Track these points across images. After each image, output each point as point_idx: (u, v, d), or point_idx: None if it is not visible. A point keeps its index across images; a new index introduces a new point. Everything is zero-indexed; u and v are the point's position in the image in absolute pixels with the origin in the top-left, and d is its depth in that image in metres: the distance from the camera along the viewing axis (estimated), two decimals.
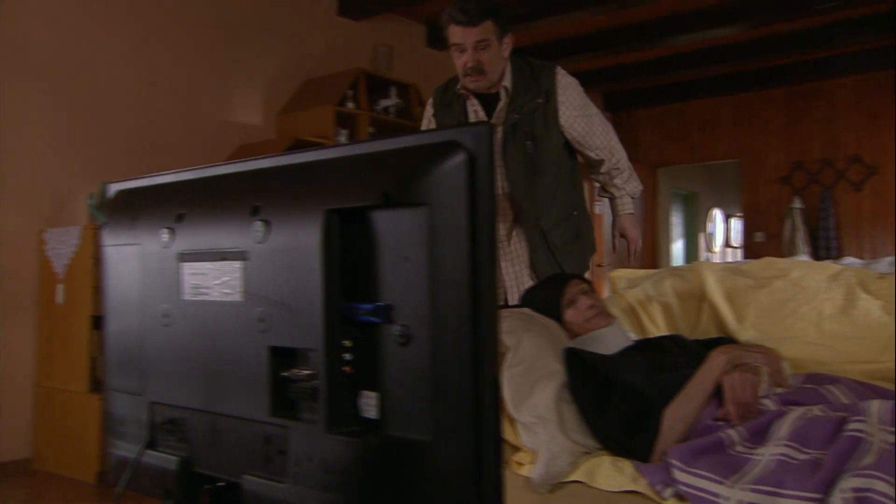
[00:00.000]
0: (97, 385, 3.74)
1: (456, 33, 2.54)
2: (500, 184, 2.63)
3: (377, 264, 0.92)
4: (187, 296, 1.09)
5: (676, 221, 10.34)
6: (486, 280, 0.86)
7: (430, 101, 2.84)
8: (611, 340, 1.93)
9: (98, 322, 3.73)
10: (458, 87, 2.67)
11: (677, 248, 10.40)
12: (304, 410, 0.98)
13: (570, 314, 2.02)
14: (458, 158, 0.86)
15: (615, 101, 8.81)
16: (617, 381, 1.71)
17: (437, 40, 6.38)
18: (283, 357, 0.98)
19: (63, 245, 3.83)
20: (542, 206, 2.61)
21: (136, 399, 1.19)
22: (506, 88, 2.62)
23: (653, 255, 8.88)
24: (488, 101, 2.66)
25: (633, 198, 2.90)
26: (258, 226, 0.98)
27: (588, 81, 7.69)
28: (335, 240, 0.92)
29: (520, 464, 1.74)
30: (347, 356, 0.93)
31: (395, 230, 0.90)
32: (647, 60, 7.43)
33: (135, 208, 1.22)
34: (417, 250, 0.88)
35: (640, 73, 7.63)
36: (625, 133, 8.91)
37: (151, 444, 1.16)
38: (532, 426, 1.69)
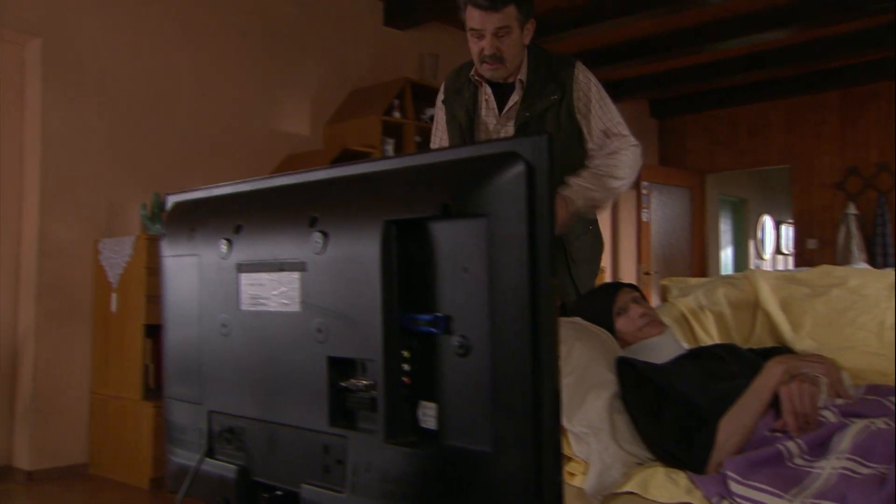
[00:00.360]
0: (150, 393, 3.80)
1: (475, 17, 2.31)
2: None
3: (435, 275, 0.92)
4: (245, 306, 1.11)
5: (725, 228, 10.17)
6: (545, 290, 0.85)
7: (442, 86, 2.64)
8: (663, 349, 1.91)
9: (150, 331, 3.80)
10: (472, 72, 2.48)
11: (726, 256, 10.22)
12: (362, 420, 0.98)
13: (621, 323, 2.00)
14: (517, 169, 0.86)
15: (661, 108, 8.71)
16: (670, 391, 1.69)
17: None
18: (341, 367, 0.99)
19: (117, 255, 3.91)
20: None
21: (194, 408, 1.21)
22: (521, 82, 2.43)
23: (701, 263, 8.73)
24: (502, 91, 2.46)
25: (591, 200, 2.34)
26: (316, 237, 0.99)
27: (633, 88, 7.70)
28: (394, 250, 0.92)
29: (571, 474, 1.73)
30: (406, 367, 0.93)
31: (454, 241, 0.90)
32: (694, 65, 7.32)
33: (193, 220, 1.24)
34: (476, 261, 0.88)
35: (688, 78, 7.52)
36: (671, 140, 8.80)
37: (210, 453, 1.17)
38: (584, 436, 1.68)
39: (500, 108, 2.46)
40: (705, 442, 1.59)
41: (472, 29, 2.34)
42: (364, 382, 0.96)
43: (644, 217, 7.80)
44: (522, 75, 2.42)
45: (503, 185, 0.87)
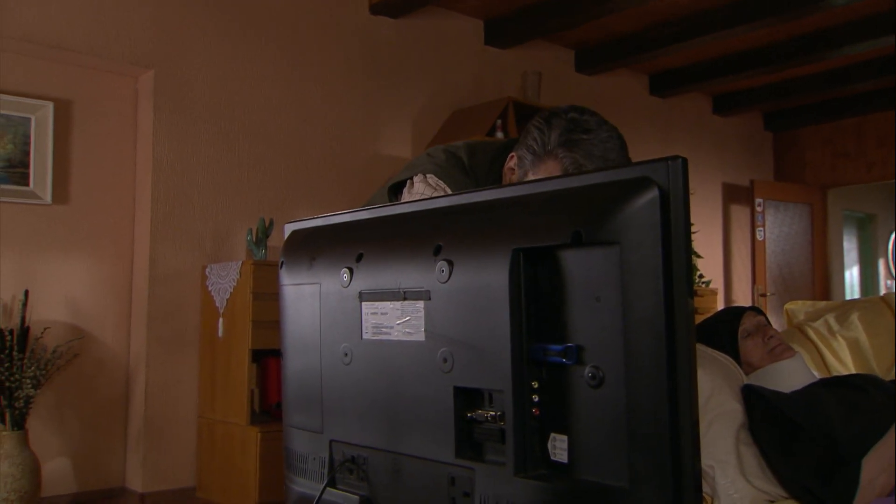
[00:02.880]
0: (256, 417, 3.87)
1: (550, 172, 1.68)
2: None
3: (566, 304, 0.90)
4: (368, 335, 1.11)
5: (849, 247, 9.59)
6: (681, 319, 0.82)
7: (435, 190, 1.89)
8: (794, 376, 1.82)
9: (256, 356, 3.87)
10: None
11: (851, 276, 9.68)
12: (489, 452, 0.96)
13: (748, 346, 1.93)
14: (650, 195, 0.84)
15: (777, 120, 8.31)
16: (805, 423, 1.61)
17: (586, 65, 6.33)
18: (467, 397, 0.97)
19: (223, 280, 4.01)
20: None
21: (315, 437, 1.21)
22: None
23: (824, 284, 8.28)
24: None
25: None
26: (442, 265, 0.98)
27: (747, 100, 7.46)
28: (522, 279, 0.91)
29: None
30: (535, 398, 0.91)
31: (585, 269, 0.88)
32: (814, 74, 6.97)
33: (312, 248, 1.25)
34: (609, 290, 0.86)
35: (807, 87, 7.13)
36: (788, 153, 8.42)
37: (332, 482, 1.17)
38: (708, 470, 1.62)
39: None
40: (849, 480, 1.50)
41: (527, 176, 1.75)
42: (491, 413, 0.95)
43: (759, 236, 7.51)
44: None
45: (636, 211, 0.84)
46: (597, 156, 1.64)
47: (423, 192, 1.84)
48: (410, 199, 1.81)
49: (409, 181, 1.89)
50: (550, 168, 1.68)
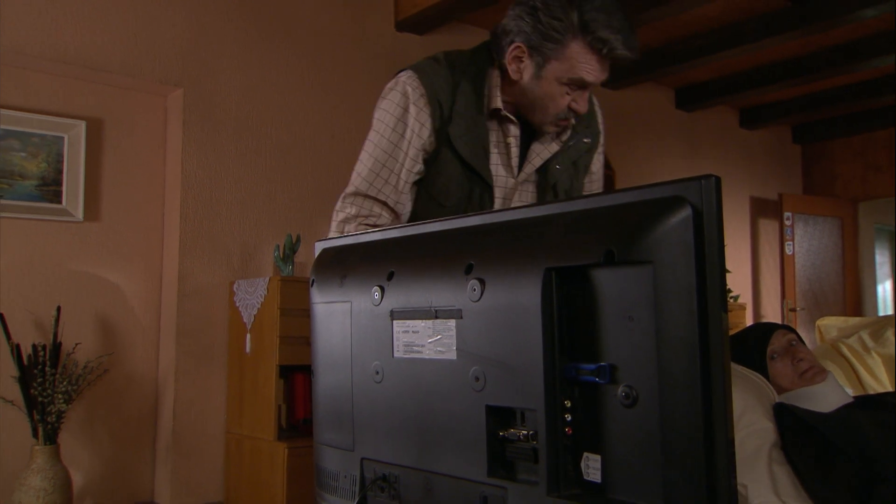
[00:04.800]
0: (283, 433, 3.88)
1: (591, 65, 1.67)
2: None
3: (598, 323, 0.90)
4: (399, 353, 1.11)
5: (881, 261, 9.41)
6: (716, 339, 0.82)
7: (421, 98, 1.79)
8: (827, 398, 1.79)
9: (283, 371, 3.89)
10: (498, 103, 1.78)
11: (884, 291, 9.49)
12: (522, 472, 0.96)
13: (777, 367, 1.90)
14: (683, 214, 0.84)
15: (806, 133, 8.19)
16: (840, 441, 1.59)
17: (612, 79, 6.30)
18: (500, 416, 0.97)
19: (251, 296, 4.03)
20: None
21: (347, 454, 1.21)
22: (573, 130, 1.86)
23: (855, 299, 8.15)
24: (524, 129, 1.84)
25: None
26: (473, 284, 0.99)
27: (775, 113, 7.39)
28: (555, 299, 0.91)
29: None
30: (568, 417, 0.91)
31: (618, 288, 0.88)
32: (844, 86, 6.88)
33: (343, 266, 1.26)
34: (642, 309, 0.86)
35: (836, 100, 7.03)
36: (817, 166, 8.31)
37: (363, 501, 1.18)
38: (741, 489, 1.60)
39: (522, 157, 1.85)
40: (886, 499, 1.48)
41: (576, 79, 1.69)
42: (524, 432, 0.95)
43: (788, 250, 7.43)
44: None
45: (669, 230, 0.84)
46: (617, 28, 1.62)
47: (390, 96, 1.85)
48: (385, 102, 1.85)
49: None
50: (577, 51, 1.65)
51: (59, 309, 3.61)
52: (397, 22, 5.02)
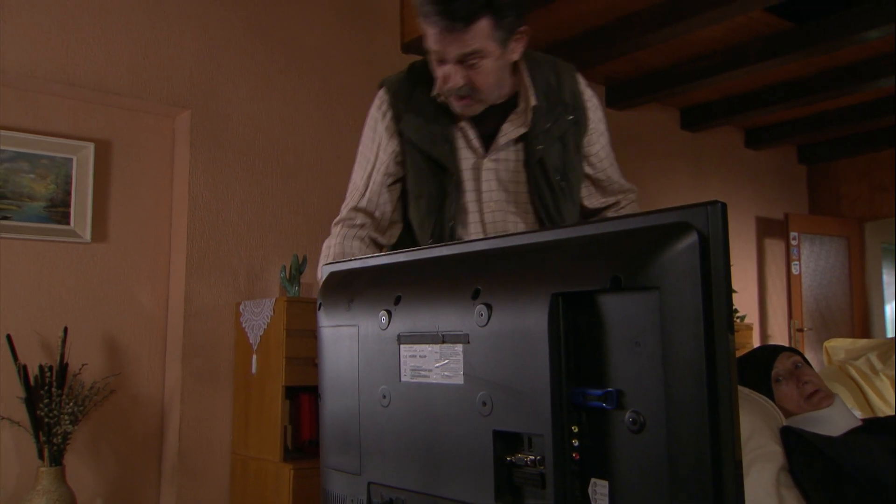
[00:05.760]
0: (289, 454, 3.87)
1: (432, 36, 1.65)
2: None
3: (605, 349, 0.90)
4: (406, 377, 1.11)
5: (889, 280, 9.36)
6: (723, 364, 0.82)
7: (386, 100, 1.90)
8: (835, 422, 1.78)
9: (289, 392, 3.88)
10: (436, 91, 1.79)
11: (892, 311, 9.45)
12: (529, 497, 0.96)
13: (782, 391, 1.89)
14: (690, 240, 0.84)
15: (811, 153, 8.22)
16: (848, 464, 1.58)
17: (617, 100, 6.34)
18: (506, 441, 0.98)
19: (257, 317, 4.04)
20: None
21: (353, 478, 1.22)
22: (534, 109, 1.82)
23: (863, 319, 8.12)
24: (487, 117, 1.82)
25: None
26: (480, 309, 0.99)
27: (780, 134, 7.40)
28: (561, 324, 0.91)
29: None
30: (575, 442, 0.91)
31: (624, 314, 0.88)
32: (849, 106, 6.91)
33: (350, 290, 1.26)
34: (648, 335, 0.86)
35: (842, 120, 7.06)
36: (823, 186, 8.32)
37: None
38: None
39: (484, 138, 1.85)
40: None
41: (428, 49, 1.71)
42: (531, 457, 0.95)
43: (794, 270, 7.41)
44: (532, 99, 1.82)
45: (676, 256, 0.85)
46: None
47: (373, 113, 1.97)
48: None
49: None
50: (421, 22, 1.67)
51: (66, 330, 3.62)
52: (403, 44, 5.06)
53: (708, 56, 5.73)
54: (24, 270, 3.76)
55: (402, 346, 1.12)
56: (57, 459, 3.38)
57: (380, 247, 2.07)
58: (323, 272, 1.40)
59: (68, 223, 3.87)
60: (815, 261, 7.79)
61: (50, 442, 3.36)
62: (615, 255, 0.88)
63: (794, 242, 7.51)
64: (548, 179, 1.84)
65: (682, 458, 0.83)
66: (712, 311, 0.82)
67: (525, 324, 0.94)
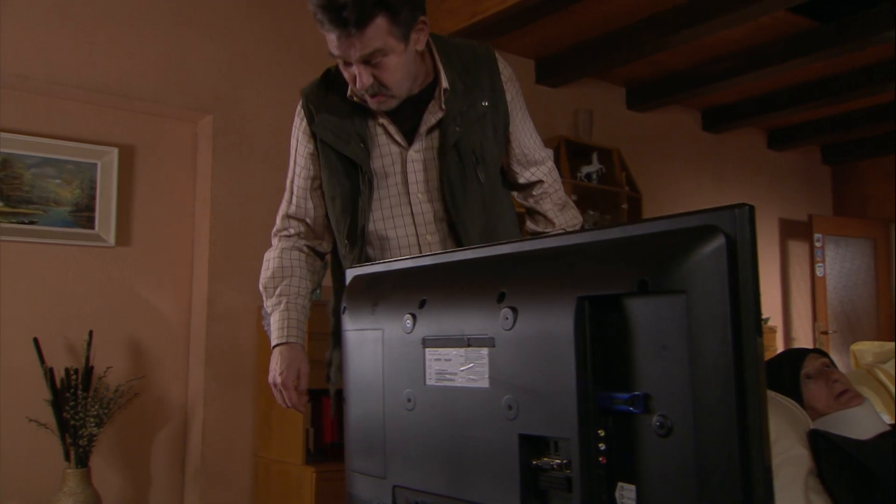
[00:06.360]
0: (311, 457, 3.88)
1: (331, 41, 1.68)
2: (438, 230, 1.89)
3: (632, 352, 0.89)
4: (431, 381, 1.11)
5: None
6: (751, 368, 0.82)
7: (301, 107, 1.98)
8: (863, 424, 1.76)
9: (311, 396, 3.89)
10: (349, 92, 1.84)
11: None
12: (556, 501, 0.96)
13: (811, 389, 1.87)
14: (717, 243, 0.83)
15: (836, 154, 8.13)
16: (879, 469, 1.56)
17: (637, 102, 6.32)
18: (532, 445, 0.97)
19: None
20: None
21: (378, 482, 1.22)
22: (445, 91, 1.83)
23: (890, 321, 7.97)
24: (403, 107, 1.83)
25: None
26: (506, 312, 0.99)
27: (803, 134, 7.33)
28: (587, 328, 0.91)
29: None
30: (602, 446, 0.91)
31: (651, 318, 0.88)
32: (874, 106, 6.84)
33: (375, 294, 1.27)
34: (676, 338, 0.85)
35: (866, 120, 6.98)
36: (848, 187, 8.22)
37: None
38: None
39: (407, 131, 1.87)
40: None
41: (331, 55, 1.73)
42: (557, 461, 0.94)
43: (819, 272, 7.34)
44: (444, 82, 1.83)
45: (703, 259, 0.84)
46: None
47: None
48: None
49: None
50: (325, 34, 1.68)
51: (91, 333, 3.65)
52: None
53: (729, 57, 5.70)
54: (50, 274, 3.80)
55: (426, 349, 1.12)
56: (83, 461, 3.41)
57: (319, 255, 2.09)
58: (347, 275, 1.40)
59: (93, 227, 3.91)
60: (839, 263, 7.71)
61: (76, 444, 3.40)
62: (642, 259, 0.88)
63: (818, 244, 7.44)
64: (461, 165, 1.84)
65: (710, 463, 0.83)
66: (740, 315, 0.82)
67: (551, 327, 0.93)
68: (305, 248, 2.05)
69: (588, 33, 5.31)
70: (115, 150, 3.99)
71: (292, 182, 2.02)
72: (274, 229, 2.10)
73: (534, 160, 2.03)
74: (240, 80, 4.29)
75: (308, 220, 2.03)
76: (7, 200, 3.71)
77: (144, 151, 4.15)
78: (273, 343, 2.00)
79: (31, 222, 3.75)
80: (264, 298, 2.07)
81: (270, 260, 2.06)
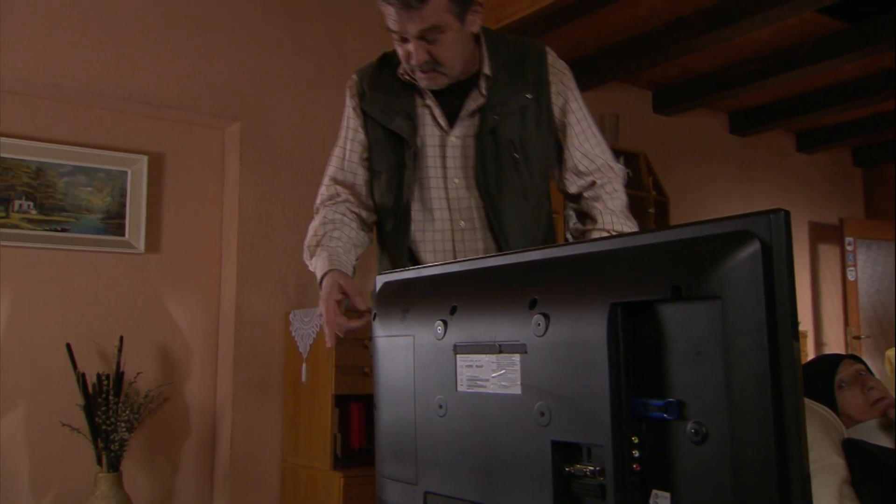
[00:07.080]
0: (338, 462, 3.89)
1: (390, 16, 1.71)
2: (474, 217, 1.89)
3: (666, 359, 0.89)
4: (462, 387, 1.11)
5: None
6: (788, 375, 0.81)
7: (355, 82, 2.02)
8: None
9: (338, 401, 3.90)
10: (400, 70, 1.89)
11: None
12: None
13: (846, 397, 1.85)
14: (752, 249, 0.83)
15: (867, 155, 8.04)
16: None
17: (664, 105, 6.29)
18: (565, 452, 0.97)
19: (306, 326, 4.07)
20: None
21: (410, 488, 1.22)
22: (486, 77, 1.86)
23: None
24: (450, 91, 1.87)
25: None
26: (538, 319, 0.99)
27: (834, 136, 7.24)
28: (621, 334, 0.90)
29: None
30: (636, 453, 0.90)
31: (685, 324, 0.87)
32: None
33: (405, 300, 1.27)
34: (710, 345, 0.85)
35: None
36: (880, 190, 8.11)
37: None
38: None
39: (450, 115, 1.90)
40: None
41: (389, 30, 1.76)
42: (591, 468, 0.94)
43: (850, 276, 7.26)
44: (486, 68, 1.86)
45: (738, 265, 0.83)
46: None
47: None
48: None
49: None
50: (384, 9, 1.72)
51: (121, 339, 3.69)
52: None
53: (757, 59, 5.65)
54: (81, 281, 3.84)
55: (458, 356, 1.12)
56: (114, 466, 3.45)
57: (366, 225, 2.06)
58: (377, 282, 1.40)
59: (123, 234, 3.95)
60: (871, 266, 7.60)
61: (108, 448, 3.43)
62: (675, 264, 0.87)
63: (849, 248, 7.35)
64: (497, 152, 1.86)
65: (746, 471, 0.82)
66: (776, 321, 0.81)
67: (584, 334, 0.93)
68: (350, 213, 2.02)
69: (614, 37, 5.29)
70: (145, 158, 4.03)
71: (342, 149, 2.05)
72: (318, 201, 2.07)
73: (588, 170, 1.99)
74: (267, 87, 4.32)
75: (356, 186, 2.02)
76: (41, 208, 3.76)
77: (173, 159, 4.18)
78: (318, 281, 1.91)
79: (64, 230, 3.80)
80: (307, 258, 1.98)
81: (315, 220, 2.02)
